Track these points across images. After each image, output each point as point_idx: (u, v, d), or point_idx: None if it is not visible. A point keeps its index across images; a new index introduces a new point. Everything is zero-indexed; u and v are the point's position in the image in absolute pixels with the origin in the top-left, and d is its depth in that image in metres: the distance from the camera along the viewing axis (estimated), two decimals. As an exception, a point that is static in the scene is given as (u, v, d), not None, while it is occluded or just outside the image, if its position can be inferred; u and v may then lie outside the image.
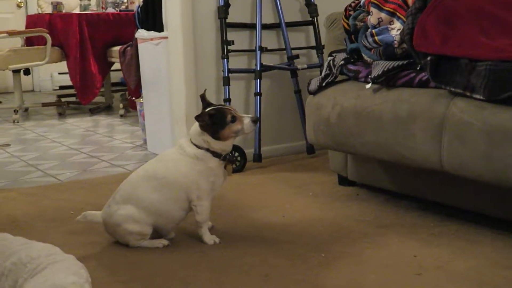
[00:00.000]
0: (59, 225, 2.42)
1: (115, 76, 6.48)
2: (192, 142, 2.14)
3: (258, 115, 3.31)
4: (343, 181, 2.88)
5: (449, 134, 2.05)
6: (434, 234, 2.22)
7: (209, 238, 2.18)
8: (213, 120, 2.08)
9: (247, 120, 2.12)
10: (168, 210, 2.15)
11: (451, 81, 2.07)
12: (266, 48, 3.38)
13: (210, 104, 2.15)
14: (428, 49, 2.14)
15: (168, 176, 2.14)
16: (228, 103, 3.26)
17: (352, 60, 2.57)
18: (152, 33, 3.76)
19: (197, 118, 2.09)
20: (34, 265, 1.44)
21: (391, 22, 2.38)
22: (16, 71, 5.47)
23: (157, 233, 2.19)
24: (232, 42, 3.32)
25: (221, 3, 3.30)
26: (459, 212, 2.38)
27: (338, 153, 2.80)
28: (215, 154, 2.12)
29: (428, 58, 2.13)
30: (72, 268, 1.40)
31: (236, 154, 3.25)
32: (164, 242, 2.16)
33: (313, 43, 3.61)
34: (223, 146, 2.13)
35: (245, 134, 2.18)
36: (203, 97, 2.18)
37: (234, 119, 2.10)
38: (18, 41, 5.87)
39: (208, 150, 2.12)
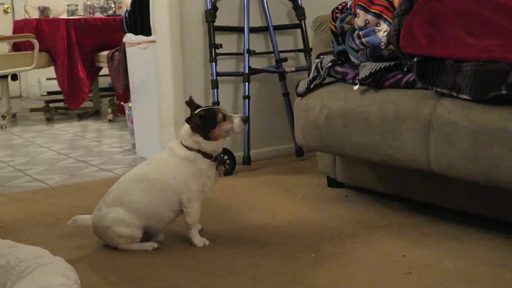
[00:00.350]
0: (48, 229, 2.41)
1: (103, 81, 6.46)
2: (182, 144, 2.14)
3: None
4: (332, 183, 2.89)
5: (436, 134, 2.06)
6: (423, 234, 2.23)
7: (199, 240, 2.18)
8: (204, 121, 2.09)
9: (237, 119, 2.14)
10: (158, 212, 2.15)
11: (437, 82, 2.09)
12: (254, 51, 3.39)
13: (198, 107, 2.16)
14: (415, 50, 2.16)
15: (159, 178, 2.14)
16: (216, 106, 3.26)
17: (339, 62, 2.58)
18: (140, 37, 3.76)
19: (188, 120, 2.10)
20: (23, 267, 1.43)
21: (377, 24, 2.40)
22: (3, 77, 5.44)
23: (146, 234, 2.18)
24: (220, 46, 3.32)
25: (209, 6, 3.30)
26: (447, 212, 2.39)
27: (327, 155, 2.81)
28: (206, 155, 2.13)
29: (415, 59, 2.14)
30: (61, 270, 1.40)
31: (226, 157, 3.25)
32: (153, 244, 2.16)
33: (301, 46, 3.62)
34: (214, 147, 2.14)
35: (235, 133, 2.20)
36: (190, 102, 2.18)
37: (224, 118, 2.12)
38: (5, 47, 5.84)
39: (199, 151, 2.12)
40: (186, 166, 2.12)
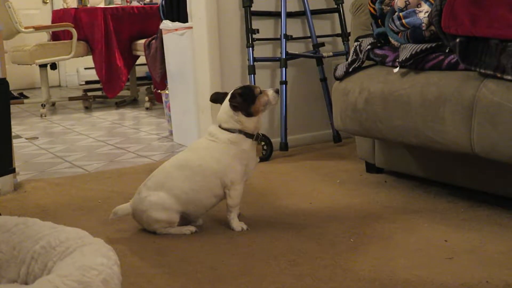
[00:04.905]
0: (87, 213, 2.43)
1: (141, 71, 6.50)
2: (222, 128, 2.15)
3: (284, 104, 3.29)
4: (371, 168, 2.85)
5: (480, 116, 2.01)
6: (465, 219, 2.18)
7: (237, 225, 2.17)
8: (244, 97, 2.13)
9: (270, 92, 2.19)
10: (200, 198, 2.15)
11: (481, 63, 2.03)
12: (291, 36, 3.36)
13: (227, 93, 2.20)
14: (457, 31, 2.10)
15: (201, 164, 2.14)
16: (253, 92, 3.24)
17: (379, 44, 2.53)
18: (177, 24, 3.76)
19: (231, 99, 2.13)
20: (63, 248, 1.44)
21: (418, 5, 2.35)
22: (43, 66, 5.52)
23: (185, 220, 2.18)
24: (257, 31, 3.30)
25: (246, -9, 3.28)
26: (490, 197, 2.34)
27: (366, 140, 2.77)
28: (248, 135, 2.14)
29: (457, 40, 2.09)
30: (101, 250, 1.40)
31: (263, 143, 3.23)
32: (191, 228, 2.16)
33: (339, 31, 3.58)
34: (256, 123, 2.16)
35: (272, 105, 2.22)
36: (216, 95, 2.24)
37: (260, 91, 2.17)
38: (44, 36, 5.93)
39: (240, 131, 2.13)
40: (229, 148, 2.13)
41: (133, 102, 5.94)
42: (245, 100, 2.13)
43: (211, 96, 2.26)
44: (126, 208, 2.18)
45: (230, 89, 2.23)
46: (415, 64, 2.28)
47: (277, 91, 2.21)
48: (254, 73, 3.27)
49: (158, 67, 4.77)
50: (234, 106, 2.13)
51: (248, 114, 2.13)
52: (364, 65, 2.56)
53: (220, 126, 2.17)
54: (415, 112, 2.22)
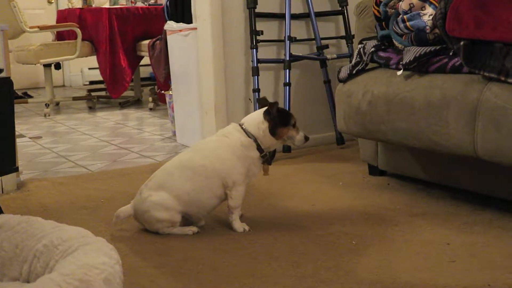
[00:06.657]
0: (90, 213, 2.44)
1: (144, 71, 6.51)
2: (243, 129, 2.16)
3: (287, 106, 3.29)
4: (374, 170, 2.85)
5: (483, 119, 2.01)
6: (467, 223, 2.18)
7: (239, 225, 2.17)
8: (280, 115, 2.15)
9: (301, 134, 2.19)
10: (201, 199, 2.15)
11: (485, 66, 2.03)
12: (295, 38, 3.36)
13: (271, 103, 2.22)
14: (462, 34, 2.10)
15: (205, 164, 2.14)
16: (257, 93, 3.24)
17: (382, 47, 2.53)
18: (181, 25, 3.77)
19: (272, 105, 2.14)
20: (65, 247, 1.44)
21: (423, 8, 2.35)
22: (47, 66, 5.53)
23: (187, 221, 2.18)
24: (261, 32, 3.30)
25: (250, -7, 3.29)
26: (493, 200, 2.34)
27: (369, 142, 2.77)
28: (259, 148, 2.16)
29: (461, 43, 2.09)
30: (103, 249, 1.40)
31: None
32: (194, 229, 2.16)
33: (343, 33, 3.58)
34: (271, 144, 2.18)
35: (294, 144, 2.22)
36: (264, 99, 2.25)
37: (294, 125, 2.18)
38: (49, 36, 5.94)
39: (255, 140, 2.15)
40: (237, 149, 2.14)
41: (137, 103, 5.95)
42: (279, 117, 2.14)
43: (259, 98, 2.30)
44: (127, 210, 2.18)
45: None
46: (419, 67, 2.28)
47: (306, 138, 2.20)
48: (258, 75, 3.27)
49: (162, 67, 4.77)
50: (268, 113, 2.14)
51: (272, 131, 2.14)
52: (368, 67, 2.56)
53: (242, 125, 2.17)
54: (418, 115, 2.22)
